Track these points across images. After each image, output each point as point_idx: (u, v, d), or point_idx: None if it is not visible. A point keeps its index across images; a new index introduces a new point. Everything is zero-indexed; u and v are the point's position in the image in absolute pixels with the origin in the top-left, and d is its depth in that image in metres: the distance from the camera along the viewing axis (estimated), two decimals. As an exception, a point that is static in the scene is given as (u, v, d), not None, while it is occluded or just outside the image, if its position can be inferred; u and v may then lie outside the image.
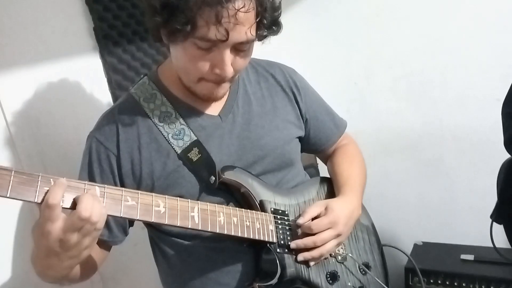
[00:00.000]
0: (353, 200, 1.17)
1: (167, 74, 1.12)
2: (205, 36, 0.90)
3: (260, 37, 1.01)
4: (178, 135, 1.07)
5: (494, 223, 1.30)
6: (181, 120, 1.08)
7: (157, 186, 1.06)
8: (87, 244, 0.82)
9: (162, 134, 1.06)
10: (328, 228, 1.06)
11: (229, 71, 0.97)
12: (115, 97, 1.51)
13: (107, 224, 1.05)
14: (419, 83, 1.91)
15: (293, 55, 1.94)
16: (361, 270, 1.19)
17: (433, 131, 1.92)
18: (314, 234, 1.06)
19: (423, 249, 1.95)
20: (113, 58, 1.51)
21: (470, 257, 1.79)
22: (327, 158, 1.38)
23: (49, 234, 0.77)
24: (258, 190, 1.09)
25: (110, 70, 1.50)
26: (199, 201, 0.96)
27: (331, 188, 1.27)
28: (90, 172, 1.05)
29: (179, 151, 1.06)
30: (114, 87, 1.51)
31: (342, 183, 1.22)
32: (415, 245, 1.97)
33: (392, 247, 1.31)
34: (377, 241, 1.31)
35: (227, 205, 1.06)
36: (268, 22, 0.98)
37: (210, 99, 1.09)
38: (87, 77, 1.45)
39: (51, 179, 0.76)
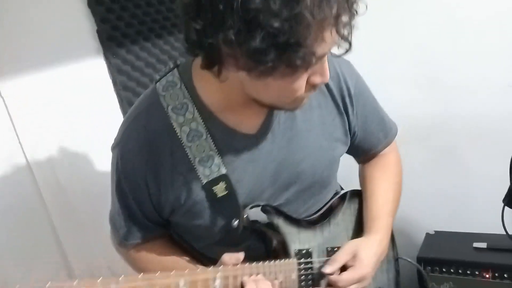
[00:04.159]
0: (383, 241, 1.08)
1: (204, 84, 0.92)
2: (320, 56, 0.80)
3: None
4: (206, 161, 0.92)
5: (505, 210, 1.29)
6: (212, 145, 0.92)
7: (179, 213, 0.98)
8: None
9: (188, 156, 0.92)
10: (355, 283, 1.00)
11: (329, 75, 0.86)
12: (120, 98, 1.51)
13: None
14: (430, 71, 1.88)
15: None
16: None
17: (446, 119, 1.90)
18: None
19: (435, 238, 1.94)
20: (117, 59, 1.51)
21: (483, 245, 1.78)
22: (363, 160, 1.25)
23: None
24: (283, 230, 1.00)
25: (114, 71, 1.50)
26: (220, 268, 0.85)
27: (359, 208, 1.17)
28: (121, 192, 0.98)
29: (204, 181, 0.93)
30: (119, 88, 1.51)
31: (375, 215, 1.12)
32: (427, 234, 1.96)
33: (404, 259, 1.25)
34: (393, 255, 1.24)
35: (246, 244, 0.98)
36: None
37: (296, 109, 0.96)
38: (92, 79, 1.45)
39: None
